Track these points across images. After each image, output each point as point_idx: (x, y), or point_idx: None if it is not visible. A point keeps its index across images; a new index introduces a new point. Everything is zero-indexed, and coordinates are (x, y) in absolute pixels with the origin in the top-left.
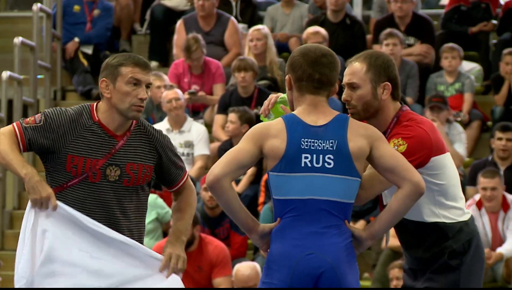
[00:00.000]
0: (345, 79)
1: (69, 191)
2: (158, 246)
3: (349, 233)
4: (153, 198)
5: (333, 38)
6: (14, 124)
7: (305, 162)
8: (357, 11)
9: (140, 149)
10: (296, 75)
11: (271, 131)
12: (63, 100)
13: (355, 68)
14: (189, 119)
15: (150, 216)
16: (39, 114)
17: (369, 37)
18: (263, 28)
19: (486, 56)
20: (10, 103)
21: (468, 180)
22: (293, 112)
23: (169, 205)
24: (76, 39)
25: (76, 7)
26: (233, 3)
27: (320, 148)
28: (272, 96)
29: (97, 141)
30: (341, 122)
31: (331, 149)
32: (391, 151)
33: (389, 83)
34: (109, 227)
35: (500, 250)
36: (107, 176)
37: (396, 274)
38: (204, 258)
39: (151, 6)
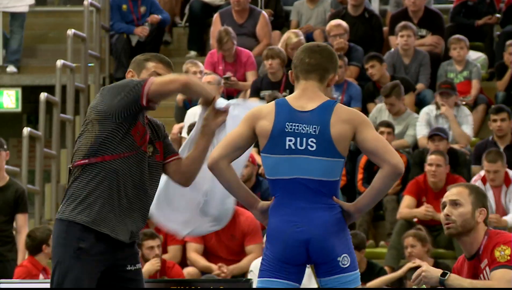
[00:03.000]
0: (450, 197)
1: (125, 160)
2: None
3: (338, 207)
4: None
5: (353, 30)
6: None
7: (289, 144)
8: (375, 5)
9: (155, 130)
10: (294, 64)
11: (262, 113)
12: None
13: (460, 190)
14: None
15: None
16: None
17: (385, 29)
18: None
19: (491, 46)
20: (63, 88)
21: (473, 160)
22: (284, 97)
23: None
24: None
25: (124, 6)
26: None
27: (304, 132)
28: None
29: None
30: (327, 108)
31: (314, 133)
32: (374, 135)
33: (485, 209)
34: (140, 201)
35: (505, 218)
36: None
37: (410, 242)
38: (237, 228)
39: (190, 1)
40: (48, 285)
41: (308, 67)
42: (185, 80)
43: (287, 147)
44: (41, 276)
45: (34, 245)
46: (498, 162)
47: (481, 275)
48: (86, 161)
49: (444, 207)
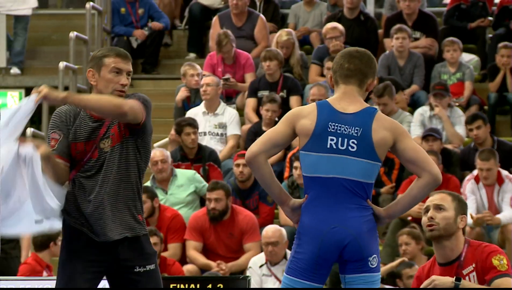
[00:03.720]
0: (434, 202)
1: (77, 175)
2: (195, 216)
3: (370, 210)
4: (191, 173)
5: (349, 33)
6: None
7: (330, 144)
8: (370, 8)
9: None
10: (333, 69)
11: (303, 113)
12: None
13: (443, 196)
14: (223, 104)
15: (189, 189)
16: None
17: (380, 31)
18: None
19: (483, 49)
20: (66, 89)
21: (460, 165)
22: (326, 99)
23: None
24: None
25: (122, 9)
26: (257, 3)
27: (346, 133)
28: None
29: (82, 127)
30: (369, 113)
31: (356, 135)
32: (413, 145)
33: (466, 217)
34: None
35: (499, 216)
36: (101, 149)
37: (404, 240)
38: (236, 226)
39: (190, 4)
40: (49, 282)
41: (347, 72)
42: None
43: (328, 146)
44: (44, 273)
45: (43, 241)
46: (491, 160)
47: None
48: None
49: (426, 211)
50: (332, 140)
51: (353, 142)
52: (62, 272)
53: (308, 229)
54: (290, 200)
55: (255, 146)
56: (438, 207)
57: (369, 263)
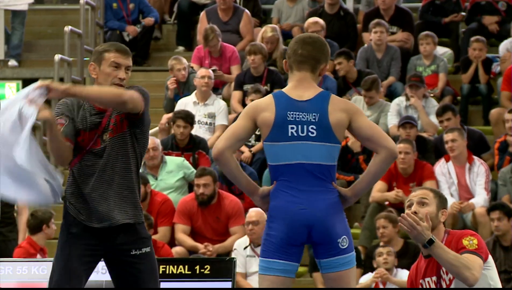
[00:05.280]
0: (417, 197)
1: (78, 163)
2: (184, 200)
3: (336, 192)
4: (180, 160)
5: (330, 27)
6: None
7: (291, 132)
8: (349, 4)
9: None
10: (287, 54)
11: (261, 106)
12: None
13: (426, 192)
14: (213, 95)
15: (178, 175)
16: None
17: (359, 26)
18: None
19: (456, 42)
20: (61, 81)
21: (434, 152)
22: (281, 89)
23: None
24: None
25: (114, 5)
26: None
27: (304, 120)
28: None
29: (86, 118)
30: (323, 97)
31: (314, 120)
32: (368, 123)
33: (446, 211)
34: (108, 189)
35: (472, 201)
36: (103, 141)
37: (382, 223)
38: (222, 210)
39: (178, 0)
40: (45, 264)
41: (300, 58)
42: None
43: (289, 135)
44: (38, 256)
45: (36, 224)
46: (455, 132)
47: (442, 269)
48: (71, 164)
49: (410, 205)
50: (292, 128)
51: (312, 128)
52: (60, 254)
53: (277, 211)
54: (259, 189)
55: (220, 143)
56: (421, 203)
57: (339, 245)
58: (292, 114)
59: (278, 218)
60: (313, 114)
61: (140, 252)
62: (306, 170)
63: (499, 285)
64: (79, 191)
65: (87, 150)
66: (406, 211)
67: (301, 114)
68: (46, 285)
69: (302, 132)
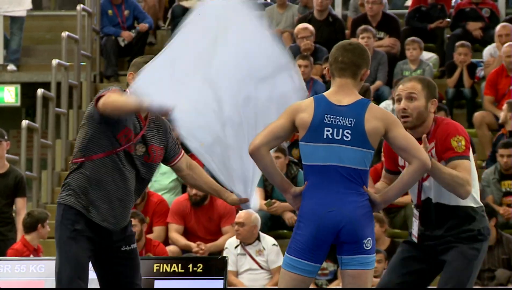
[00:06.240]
0: (406, 91)
1: (112, 158)
2: (177, 201)
3: (366, 196)
4: None
5: (319, 33)
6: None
7: (326, 134)
8: (338, 11)
9: (158, 134)
10: (329, 62)
11: (302, 107)
12: (101, 83)
13: (414, 85)
14: None
15: (171, 176)
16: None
17: (347, 32)
18: None
19: (441, 47)
20: (58, 85)
21: None
22: (322, 93)
23: None
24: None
25: (110, 11)
26: None
27: (340, 124)
28: None
29: (132, 120)
30: (362, 104)
31: (350, 125)
32: (404, 134)
33: (436, 100)
34: (124, 195)
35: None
36: (136, 150)
37: None
38: (214, 211)
39: (172, 6)
40: (42, 262)
41: (341, 65)
42: (128, 106)
43: (325, 137)
44: (31, 256)
45: (31, 223)
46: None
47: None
48: (77, 160)
49: (399, 100)
50: (328, 130)
51: (347, 132)
52: (67, 250)
53: (307, 212)
54: (292, 187)
55: (257, 139)
56: (410, 97)
57: (364, 245)
58: (329, 117)
59: (308, 220)
60: (350, 119)
61: (130, 247)
62: (339, 173)
63: (476, 174)
64: (96, 186)
65: (121, 148)
66: (396, 105)
67: (338, 118)
68: (44, 283)
69: (337, 136)
